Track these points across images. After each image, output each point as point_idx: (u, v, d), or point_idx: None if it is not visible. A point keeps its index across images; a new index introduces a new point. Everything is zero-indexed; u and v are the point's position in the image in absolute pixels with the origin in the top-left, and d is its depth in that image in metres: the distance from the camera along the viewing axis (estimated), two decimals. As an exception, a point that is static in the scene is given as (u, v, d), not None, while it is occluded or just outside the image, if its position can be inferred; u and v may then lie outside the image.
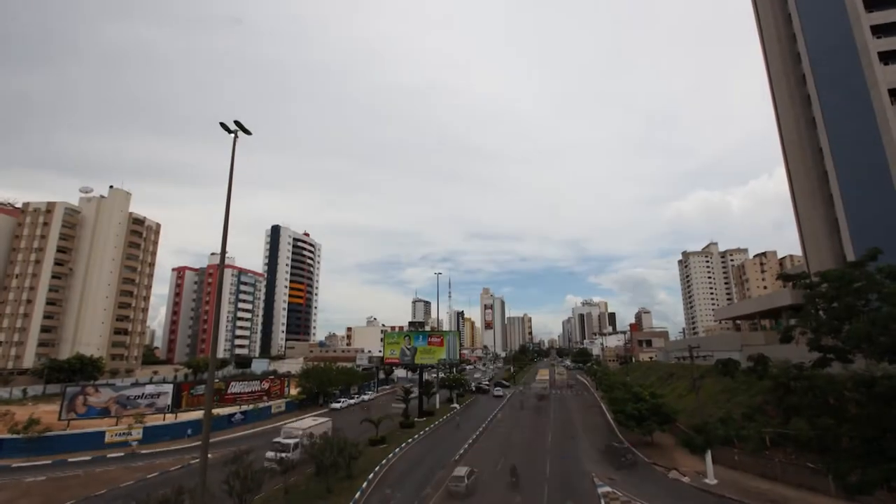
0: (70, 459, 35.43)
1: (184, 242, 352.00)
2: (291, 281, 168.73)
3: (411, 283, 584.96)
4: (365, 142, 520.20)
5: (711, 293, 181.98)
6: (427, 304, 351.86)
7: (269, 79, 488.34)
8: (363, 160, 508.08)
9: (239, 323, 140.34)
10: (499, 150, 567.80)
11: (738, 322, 76.66)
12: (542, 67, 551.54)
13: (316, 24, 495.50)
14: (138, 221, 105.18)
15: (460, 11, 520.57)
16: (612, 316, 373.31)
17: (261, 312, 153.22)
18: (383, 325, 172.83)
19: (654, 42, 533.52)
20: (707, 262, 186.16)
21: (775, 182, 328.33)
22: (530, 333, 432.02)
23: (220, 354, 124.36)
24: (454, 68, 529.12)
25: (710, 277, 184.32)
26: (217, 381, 57.10)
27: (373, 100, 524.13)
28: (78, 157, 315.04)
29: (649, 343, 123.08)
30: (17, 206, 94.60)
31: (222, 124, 20.92)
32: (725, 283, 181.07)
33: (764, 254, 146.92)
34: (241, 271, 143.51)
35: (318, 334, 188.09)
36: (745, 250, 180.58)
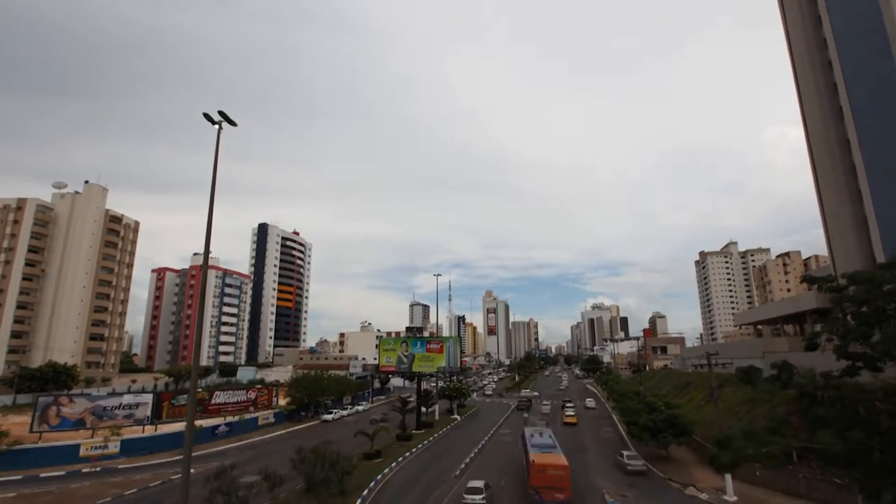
0: (42, 474, 35.39)
1: (197, 250, 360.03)
2: (280, 283, 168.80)
3: (419, 289, 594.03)
4: (391, 156, 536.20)
5: (731, 296, 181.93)
6: (426, 308, 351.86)
7: (300, 94, 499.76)
8: (385, 171, 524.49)
9: (223, 328, 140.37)
10: (521, 162, 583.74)
11: (760, 327, 76.64)
12: (570, 88, 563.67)
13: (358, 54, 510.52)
14: (115, 219, 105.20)
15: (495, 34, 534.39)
16: (623, 321, 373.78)
17: (247, 317, 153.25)
18: (378, 331, 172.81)
19: (674, 39, 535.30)
20: (726, 262, 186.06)
21: (801, 180, 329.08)
22: (537, 339, 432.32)
23: (204, 362, 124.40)
24: (487, 91, 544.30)
25: (729, 279, 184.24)
26: (200, 390, 57.06)
27: (405, 120, 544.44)
28: (83, 166, 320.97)
29: (664, 350, 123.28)
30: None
31: (206, 115, 20.91)
32: (746, 286, 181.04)
33: (787, 254, 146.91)
34: (226, 272, 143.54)
35: (309, 340, 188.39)
36: (767, 250, 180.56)
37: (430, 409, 63.68)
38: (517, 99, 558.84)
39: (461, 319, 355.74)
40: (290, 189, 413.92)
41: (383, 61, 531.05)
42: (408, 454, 41.80)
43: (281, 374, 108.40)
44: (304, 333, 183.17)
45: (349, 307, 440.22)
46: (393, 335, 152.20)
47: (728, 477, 29.75)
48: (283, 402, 64.78)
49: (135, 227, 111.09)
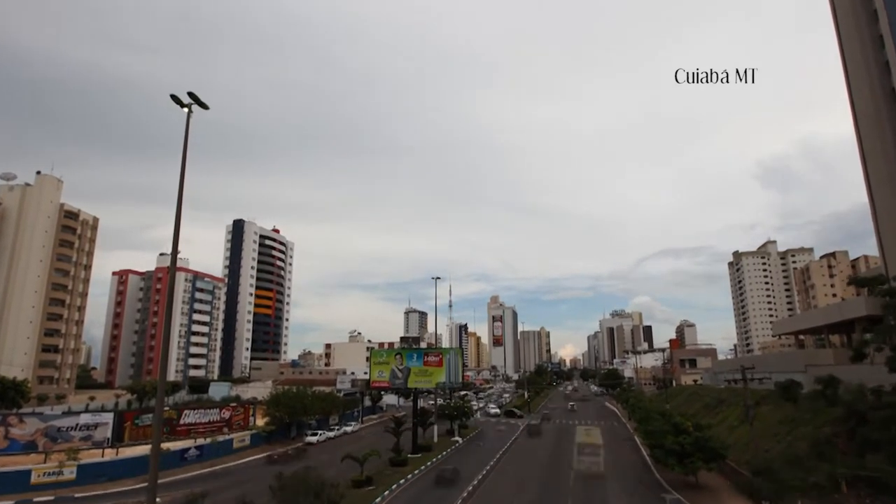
0: (-12, 504, 35.39)
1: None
2: (258, 287, 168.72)
3: (432, 301, 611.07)
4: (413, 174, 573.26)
5: (769, 302, 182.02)
6: (423, 315, 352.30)
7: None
8: (393, 185, 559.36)
9: (194, 338, 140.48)
10: (546, 178, 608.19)
11: (802, 337, 76.69)
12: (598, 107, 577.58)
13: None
14: (71, 215, 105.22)
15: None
16: (647, 330, 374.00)
17: (220, 325, 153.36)
18: (370, 342, 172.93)
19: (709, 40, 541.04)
20: (763, 263, 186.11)
21: (849, 173, 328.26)
22: (548, 351, 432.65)
23: (171, 377, 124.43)
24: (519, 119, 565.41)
25: (767, 283, 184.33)
26: (167, 408, 56.96)
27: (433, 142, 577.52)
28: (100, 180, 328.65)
29: (693, 363, 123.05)
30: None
31: (173, 97, 20.94)
32: (786, 291, 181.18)
33: (833, 254, 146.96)
34: (197, 275, 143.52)
35: (291, 352, 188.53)
36: (810, 250, 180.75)
37: (427, 431, 63.69)
38: (545, 124, 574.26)
39: (463, 329, 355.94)
40: (299, 204, 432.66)
41: (421, 94, 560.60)
42: (403, 481, 41.76)
43: (259, 390, 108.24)
44: (286, 344, 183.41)
45: (350, 319, 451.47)
46: (387, 346, 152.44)
47: (766, 507, 29.69)
48: (261, 422, 64.70)
49: (93, 224, 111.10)
